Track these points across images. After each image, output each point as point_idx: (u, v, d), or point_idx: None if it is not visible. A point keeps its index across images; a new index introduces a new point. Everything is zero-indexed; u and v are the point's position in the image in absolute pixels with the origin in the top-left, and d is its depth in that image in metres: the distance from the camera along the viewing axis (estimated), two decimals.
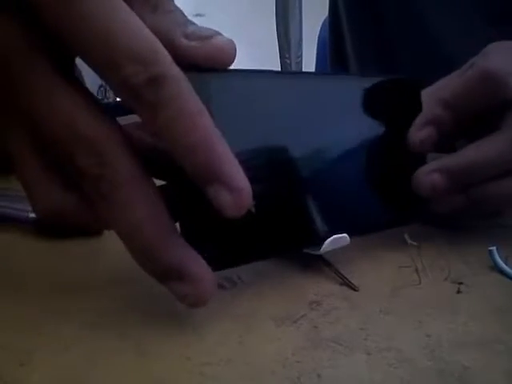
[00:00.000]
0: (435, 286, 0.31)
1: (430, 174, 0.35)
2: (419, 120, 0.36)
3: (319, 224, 0.31)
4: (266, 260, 0.32)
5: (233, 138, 0.26)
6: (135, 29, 0.23)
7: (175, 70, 0.23)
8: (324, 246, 0.31)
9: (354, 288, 0.30)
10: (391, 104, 0.35)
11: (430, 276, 0.32)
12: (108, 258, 0.33)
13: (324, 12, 0.98)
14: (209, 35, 0.25)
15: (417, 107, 0.36)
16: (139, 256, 0.25)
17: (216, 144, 0.24)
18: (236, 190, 0.24)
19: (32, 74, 0.24)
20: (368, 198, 0.34)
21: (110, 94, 0.66)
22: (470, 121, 0.36)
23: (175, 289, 0.25)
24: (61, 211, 0.26)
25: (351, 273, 0.31)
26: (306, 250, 0.31)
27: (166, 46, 0.24)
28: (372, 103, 0.34)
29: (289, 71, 0.30)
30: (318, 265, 0.32)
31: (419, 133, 0.36)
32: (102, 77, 0.24)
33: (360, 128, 0.33)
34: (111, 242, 0.35)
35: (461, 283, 0.31)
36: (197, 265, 0.25)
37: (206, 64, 0.26)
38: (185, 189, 0.27)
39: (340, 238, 0.31)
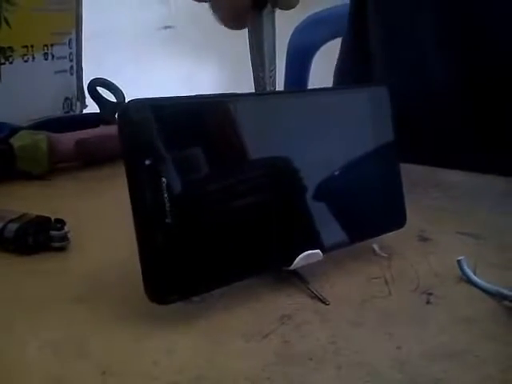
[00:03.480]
0: (405, 297, 0.31)
1: None
2: None
3: (291, 242, 0.31)
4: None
5: (188, 164, 0.27)
6: None
7: None
8: (295, 262, 0.31)
9: (324, 302, 0.30)
10: (358, 115, 0.35)
11: (400, 287, 0.32)
12: (72, 276, 0.32)
13: (292, 22, 0.98)
14: None
15: (386, 115, 0.36)
16: None
17: None
18: None
19: None
20: (341, 213, 0.34)
21: (76, 106, 0.65)
22: None
23: None
24: None
25: (322, 285, 0.31)
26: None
27: None
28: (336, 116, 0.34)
29: (240, 93, 0.31)
30: (289, 278, 0.32)
31: None
32: None
33: (331, 142, 0.33)
34: (75, 260, 0.34)
35: (430, 294, 0.31)
36: None
37: None
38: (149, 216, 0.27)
39: (312, 254, 0.31)
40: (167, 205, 0.26)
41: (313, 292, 0.31)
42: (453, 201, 0.45)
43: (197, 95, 0.29)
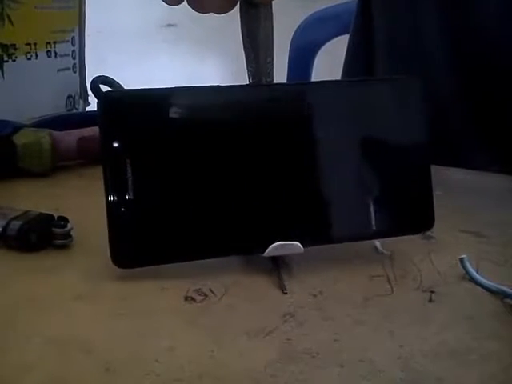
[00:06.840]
0: (407, 296, 0.31)
1: None
2: None
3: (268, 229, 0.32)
4: (236, 271, 0.32)
5: (159, 148, 0.30)
6: None
7: None
8: (268, 250, 0.31)
9: (282, 290, 0.30)
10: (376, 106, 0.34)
11: (402, 285, 0.32)
12: (74, 273, 0.32)
13: (297, 19, 0.98)
14: None
15: (415, 108, 0.34)
16: None
17: None
18: None
19: None
20: (353, 207, 0.34)
21: (79, 104, 0.65)
22: None
23: None
24: None
25: (324, 283, 0.31)
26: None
27: None
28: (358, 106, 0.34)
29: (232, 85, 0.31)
30: (291, 276, 0.32)
31: None
32: None
33: (336, 134, 0.33)
34: (78, 257, 0.34)
35: (432, 292, 0.31)
36: None
37: None
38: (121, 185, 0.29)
39: (289, 245, 0.31)
40: (129, 183, 0.30)
41: (279, 279, 0.31)
42: (455, 199, 0.45)
43: (175, 87, 0.31)
